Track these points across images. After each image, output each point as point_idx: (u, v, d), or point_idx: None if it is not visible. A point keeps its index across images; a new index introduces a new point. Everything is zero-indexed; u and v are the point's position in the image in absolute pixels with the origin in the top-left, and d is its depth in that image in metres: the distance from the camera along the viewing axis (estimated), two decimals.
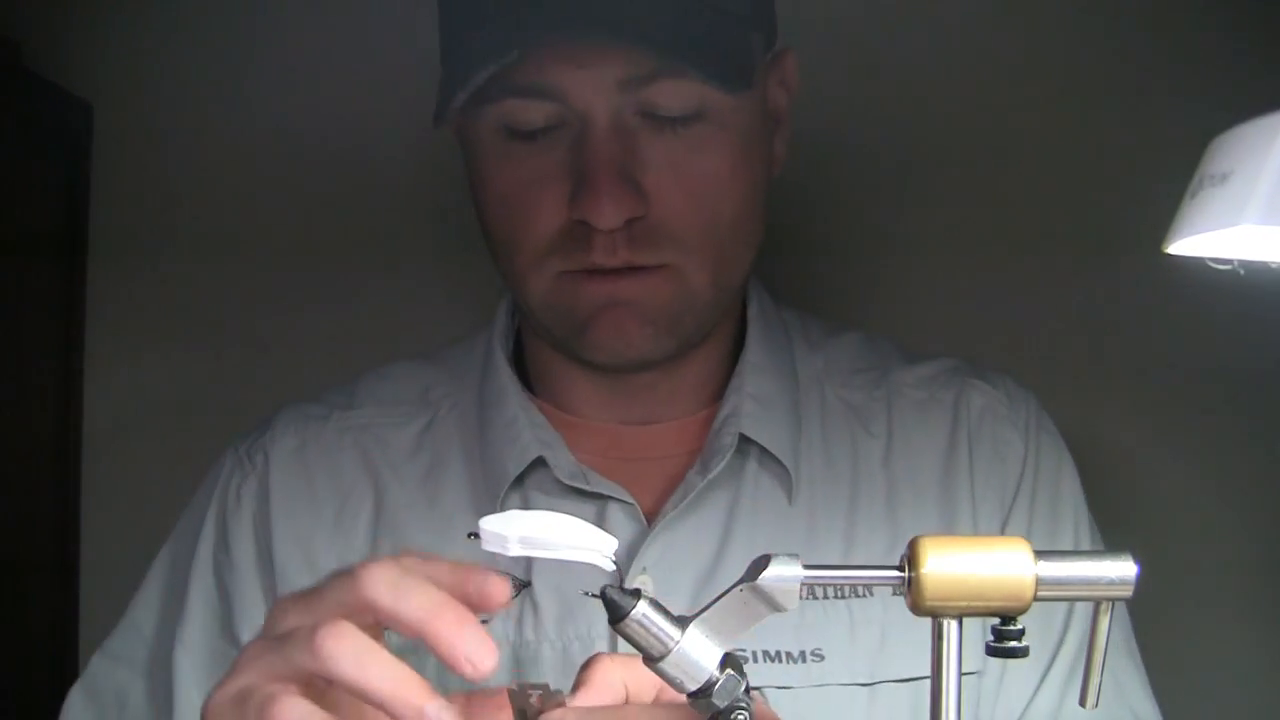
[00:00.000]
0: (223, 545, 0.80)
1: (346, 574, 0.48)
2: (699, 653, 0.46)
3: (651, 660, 0.47)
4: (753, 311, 0.83)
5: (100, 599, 1.21)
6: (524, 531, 0.45)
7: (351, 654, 0.45)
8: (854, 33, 1.19)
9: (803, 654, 0.74)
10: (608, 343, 0.73)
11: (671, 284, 0.73)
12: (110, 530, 1.25)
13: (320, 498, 0.81)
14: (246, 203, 1.27)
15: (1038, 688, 0.77)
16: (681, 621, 0.47)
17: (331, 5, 1.24)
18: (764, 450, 0.77)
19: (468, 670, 0.45)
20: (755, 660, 0.73)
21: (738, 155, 0.73)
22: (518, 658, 0.74)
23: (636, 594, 0.46)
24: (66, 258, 1.26)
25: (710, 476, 0.75)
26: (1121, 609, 0.80)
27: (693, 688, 0.47)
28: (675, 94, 0.70)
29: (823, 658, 0.74)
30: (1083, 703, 0.49)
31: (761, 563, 0.47)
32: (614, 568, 0.46)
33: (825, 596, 0.75)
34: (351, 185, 1.26)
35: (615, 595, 0.46)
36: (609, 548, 0.44)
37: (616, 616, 0.46)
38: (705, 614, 0.47)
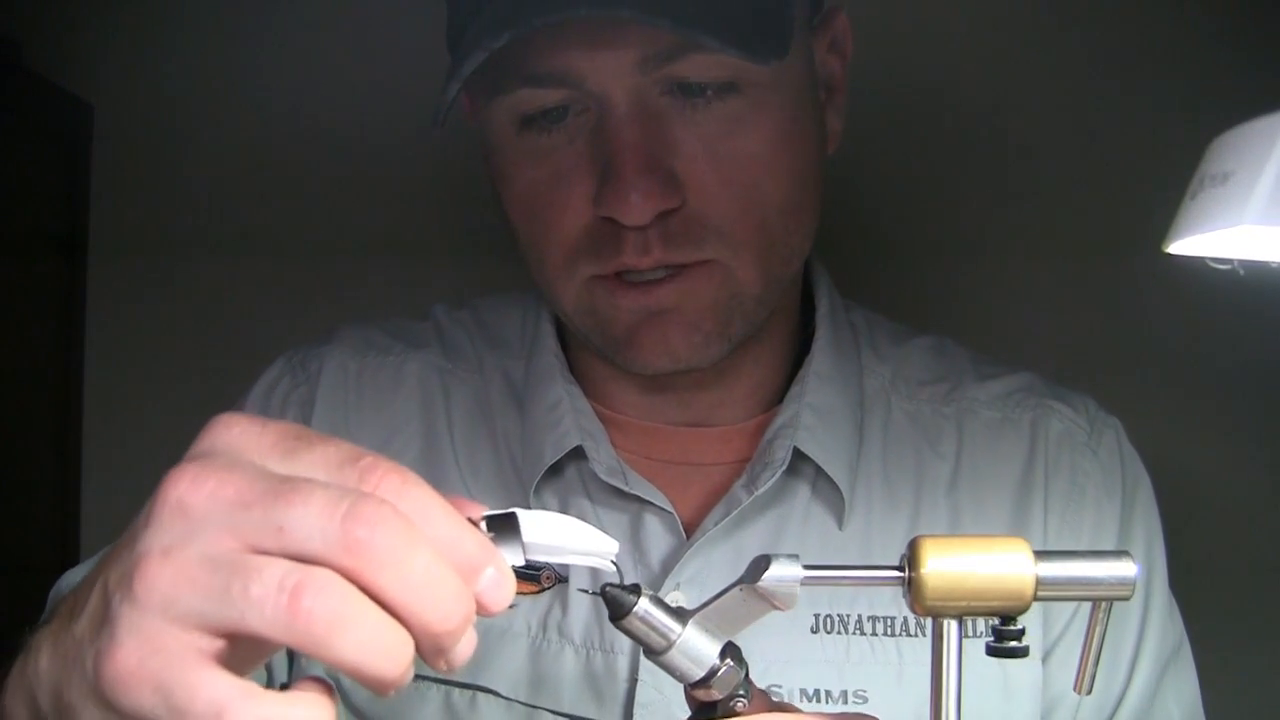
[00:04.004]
0: None
1: (338, 490, 0.36)
2: (700, 644, 0.47)
3: (653, 654, 0.47)
4: (822, 311, 0.76)
5: None
6: (525, 534, 0.43)
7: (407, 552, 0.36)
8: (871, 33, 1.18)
9: (844, 694, 0.68)
10: (651, 358, 0.66)
11: (715, 282, 0.65)
12: (110, 530, 1.24)
13: (364, 428, 0.76)
14: (246, 202, 1.27)
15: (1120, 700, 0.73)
16: (681, 614, 0.47)
17: (330, 5, 1.24)
18: (820, 469, 0.71)
19: (440, 667, 0.38)
20: (792, 698, 0.68)
21: (783, 132, 0.65)
22: (536, 655, 0.70)
23: (636, 589, 0.46)
24: (66, 258, 1.26)
25: (758, 493, 0.69)
26: (1186, 651, 0.76)
27: (695, 678, 0.47)
28: (705, 67, 0.61)
29: (866, 699, 0.68)
30: (1077, 689, 0.49)
31: (761, 563, 0.47)
32: (614, 570, 0.46)
33: (874, 633, 0.69)
34: (352, 184, 1.26)
35: (616, 592, 0.46)
36: (611, 550, 0.44)
37: (618, 614, 0.46)
38: (705, 610, 0.47)
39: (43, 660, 0.42)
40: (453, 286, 1.22)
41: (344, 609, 0.35)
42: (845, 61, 0.74)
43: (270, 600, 0.35)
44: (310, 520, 0.36)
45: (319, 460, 0.38)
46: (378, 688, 0.36)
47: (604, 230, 0.64)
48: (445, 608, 0.37)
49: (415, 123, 1.22)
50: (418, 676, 0.71)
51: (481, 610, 0.38)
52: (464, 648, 0.38)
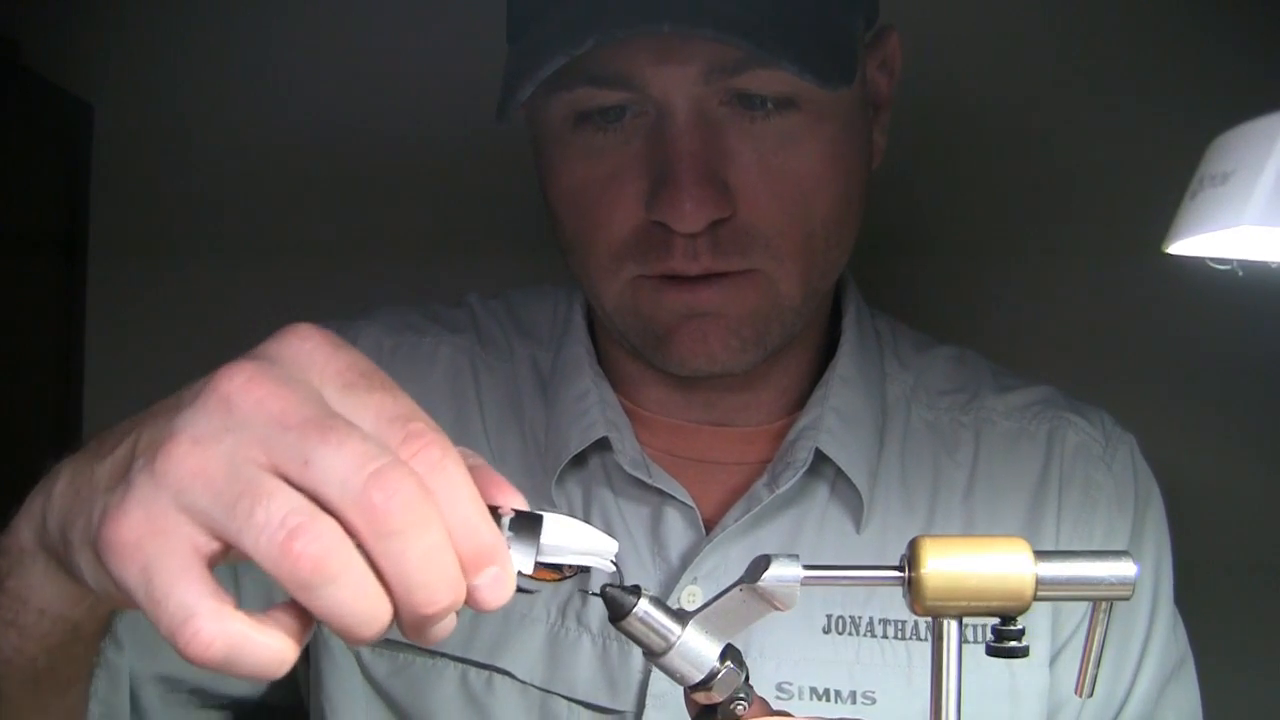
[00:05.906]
0: None
1: (376, 446, 0.36)
2: (700, 646, 0.47)
3: (653, 655, 0.47)
4: (849, 319, 0.77)
5: None
6: (544, 537, 0.43)
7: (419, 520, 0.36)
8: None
9: (853, 694, 0.70)
10: (689, 358, 0.67)
11: (759, 291, 0.66)
12: None
13: None
14: (247, 203, 1.27)
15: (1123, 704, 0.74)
16: (681, 616, 0.47)
17: (331, 4, 1.24)
18: (840, 471, 0.72)
19: (413, 638, 0.39)
20: (801, 697, 0.69)
21: (835, 150, 0.66)
22: (553, 641, 0.71)
23: (636, 590, 0.46)
24: (66, 258, 1.26)
25: (779, 491, 0.70)
26: (1190, 668, 0.77)
27: (694, 680, 0.47)
28: (766, 81, 0.62)
29: (874, 700, 0.69)
30: (1078, 691, 0.50)
31: (761, 563, 0.47)
32: (614, 569, 0.46)
33: (884, 636, 0.70)
34: (352, 184, 1.26)
35: (616, 593, 0.46)
36: (610, 550, 0.44)
37: (618, 614, 0.46)
38: (705, 611, 0.47)
39: (59, 485, 0.43)
40: (454, 288, 1.22)
41: (333, 564, 0.35)
42: (893, 80, 0.75)
43: (269, 531, 0.35)
44: (337, 466, 0.36)
45: (373, 405, 0.39)
46: (347, 640, 0.37)
47: (654, 233, 0.65)
48: (435, 591, 0.37)
49: (417, 124, 1.23)
50: (436, 653, 0.73)
51: (471, 604, 0.39)
52: (441, 629, 0.38)
